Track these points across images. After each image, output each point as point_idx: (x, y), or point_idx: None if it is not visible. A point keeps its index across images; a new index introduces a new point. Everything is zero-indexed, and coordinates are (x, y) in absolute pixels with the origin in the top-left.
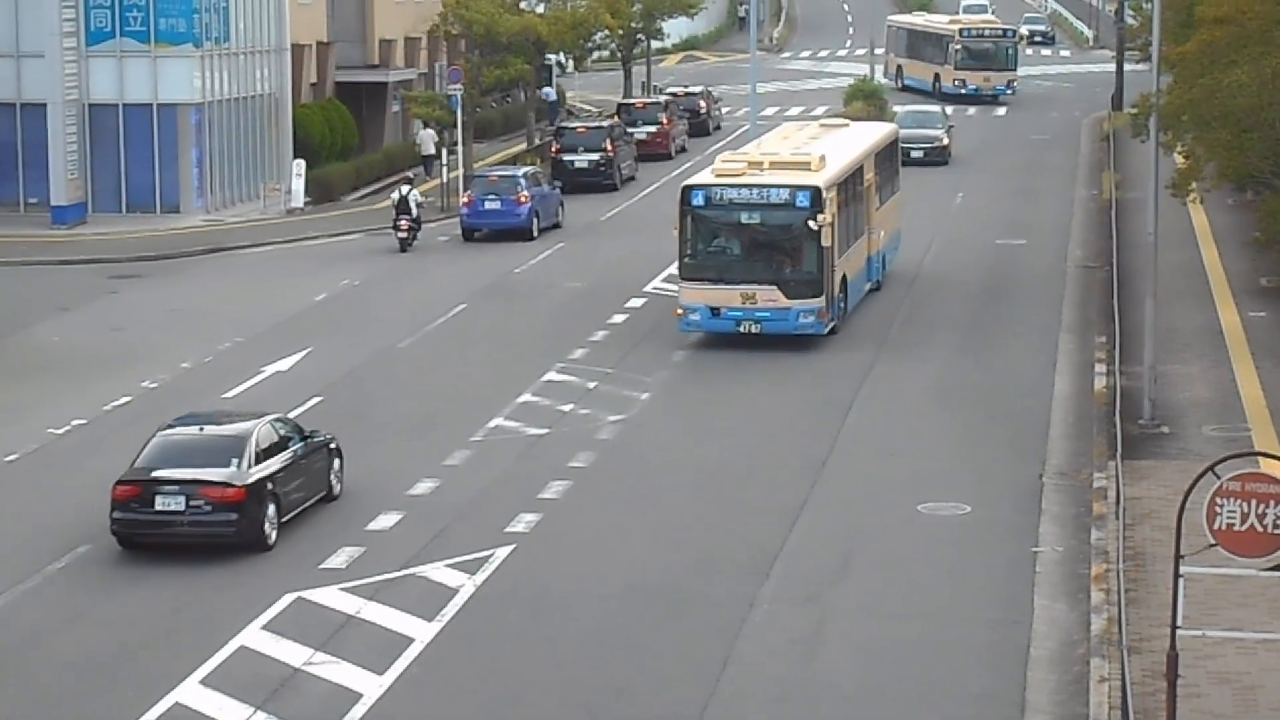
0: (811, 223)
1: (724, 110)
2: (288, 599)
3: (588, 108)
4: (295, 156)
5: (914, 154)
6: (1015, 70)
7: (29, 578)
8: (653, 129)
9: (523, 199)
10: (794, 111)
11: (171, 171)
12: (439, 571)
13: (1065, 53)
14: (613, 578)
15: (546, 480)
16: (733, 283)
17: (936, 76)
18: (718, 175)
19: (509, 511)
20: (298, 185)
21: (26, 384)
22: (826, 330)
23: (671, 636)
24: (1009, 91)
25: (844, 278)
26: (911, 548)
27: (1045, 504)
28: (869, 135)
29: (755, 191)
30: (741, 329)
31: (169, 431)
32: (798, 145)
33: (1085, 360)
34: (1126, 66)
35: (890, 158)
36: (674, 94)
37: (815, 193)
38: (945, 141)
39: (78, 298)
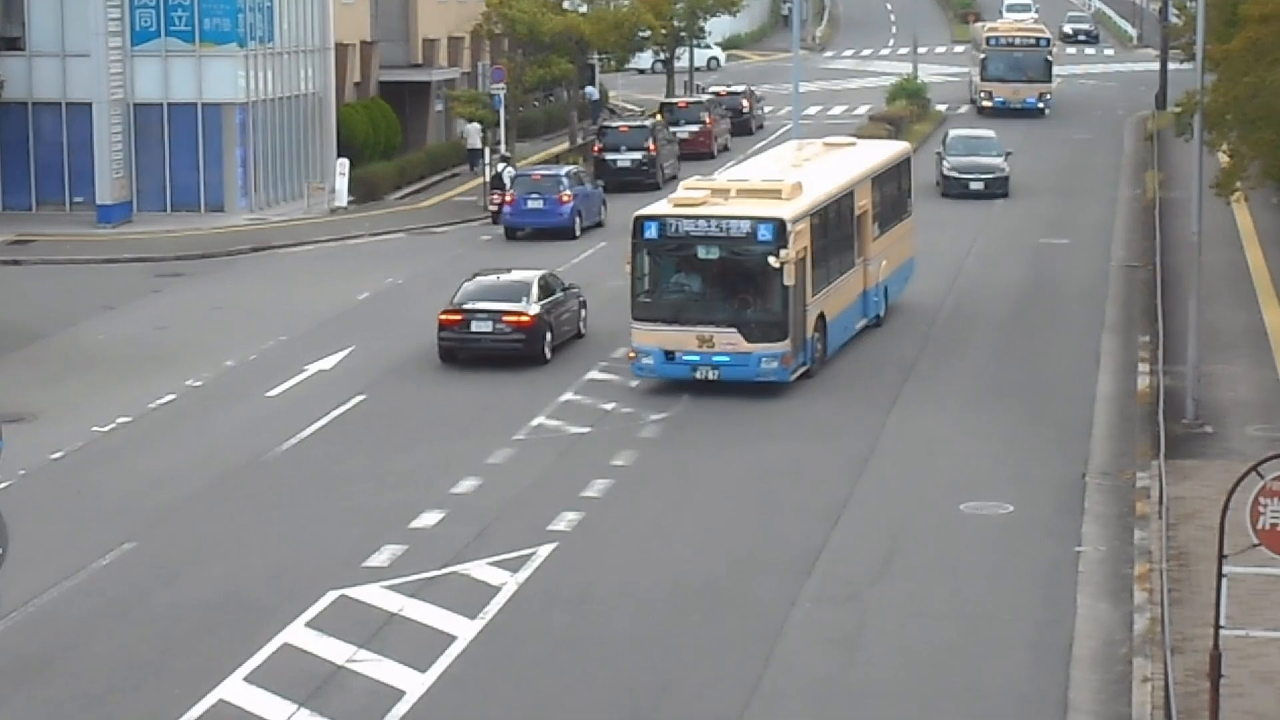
0: (772, 259)
1: (767, 109)
2: (331, 596)
3: (630, 107)
4: (339, 156)
5: (973, 185)
6: (1049, 82)
7: (74, 574)
8: (695, 128)
9: (565, 198)
10: (836, 111)
11: (216, 171)
12: (481, 569)
13: (1109, 51)
14: (654, 576)
15: (588, 479)
16: (689, 324)
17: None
18: (675, 204)
19: (551, 510)
20: (341, 184)
21: (72, 382)
22: (793, 377)
23: (713, 636)
24: (1041, 106)
25: (821, 317)
26: (953, 547)
27: (1088, 504)
28: (869, 157)
29: (713, 223)
30: (697, 375)
31: (476, 279)
32: (782, 168)
33: (1128, 360)
34: (1170, 65)
35: (896, 180)
36: (716, 93)
37: (778, 225)
38: (1007, 171)
39: (122, 296)
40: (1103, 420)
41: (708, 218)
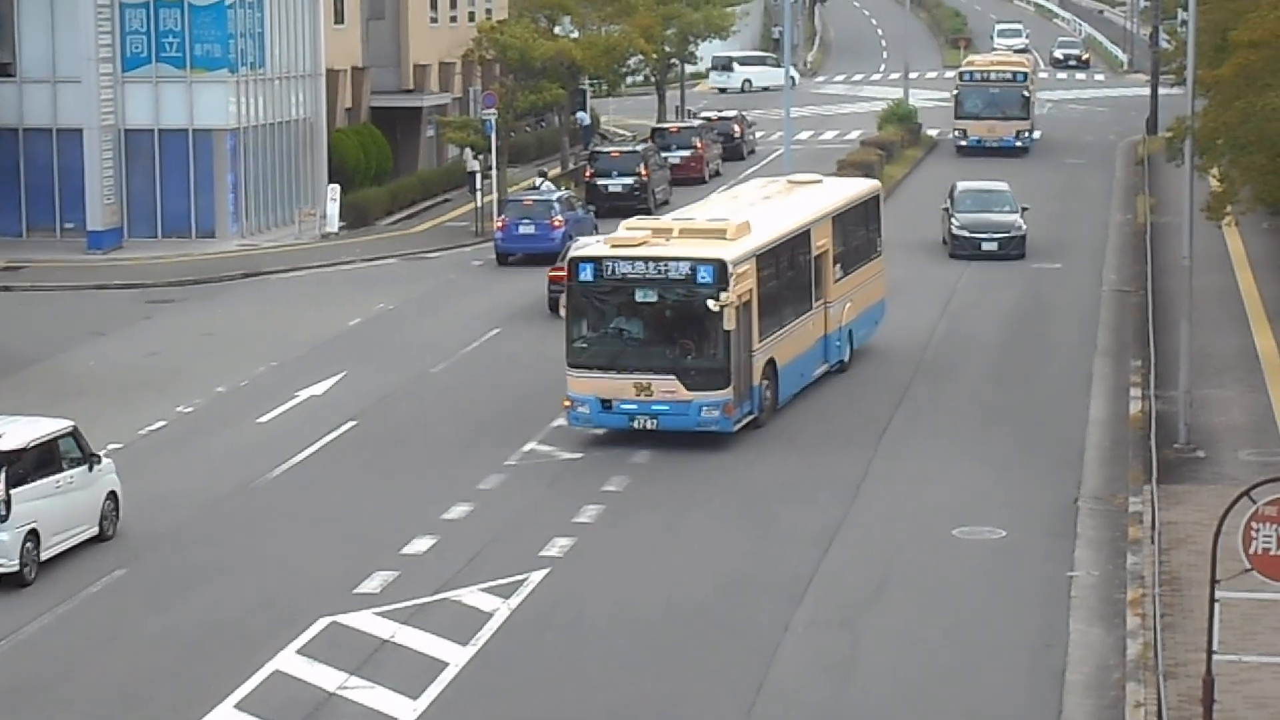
0: (712, 302)
1: (758, 134)
2: (322, 623)
3: (622, 132)
4: (330, 181)
5: (985, 246)
6: (1028, 119)
7: (66, 601)
8: (687, 153)
9: (556, 223)
10: (828, 136)
11: (207, 196)
12: (473, 595)
13: (1100, 77)
14: (647, 601)
15: (580, 504)
16: (626, 371)
17: None
18: (613, 245)
19: (543, 535)
20: (332, 210)
21: (62, 408)
22: (736, 427)
23: (706, 661)
24: (1019, 144)
25: (771, 363)
26: (946, 572)
27: (1081, 528)
28: (832, 195)
29: (651, 265)
30: (635, 424)
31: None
32: (737, 207)
33: (1120, 384)
34: (1161, 90)
35: (863, 220)
36: (708, 118)
37: (719, 267)
38: (1023, 228)
39: (113, 322)
40: (1095, 445)
41: (646, 259)
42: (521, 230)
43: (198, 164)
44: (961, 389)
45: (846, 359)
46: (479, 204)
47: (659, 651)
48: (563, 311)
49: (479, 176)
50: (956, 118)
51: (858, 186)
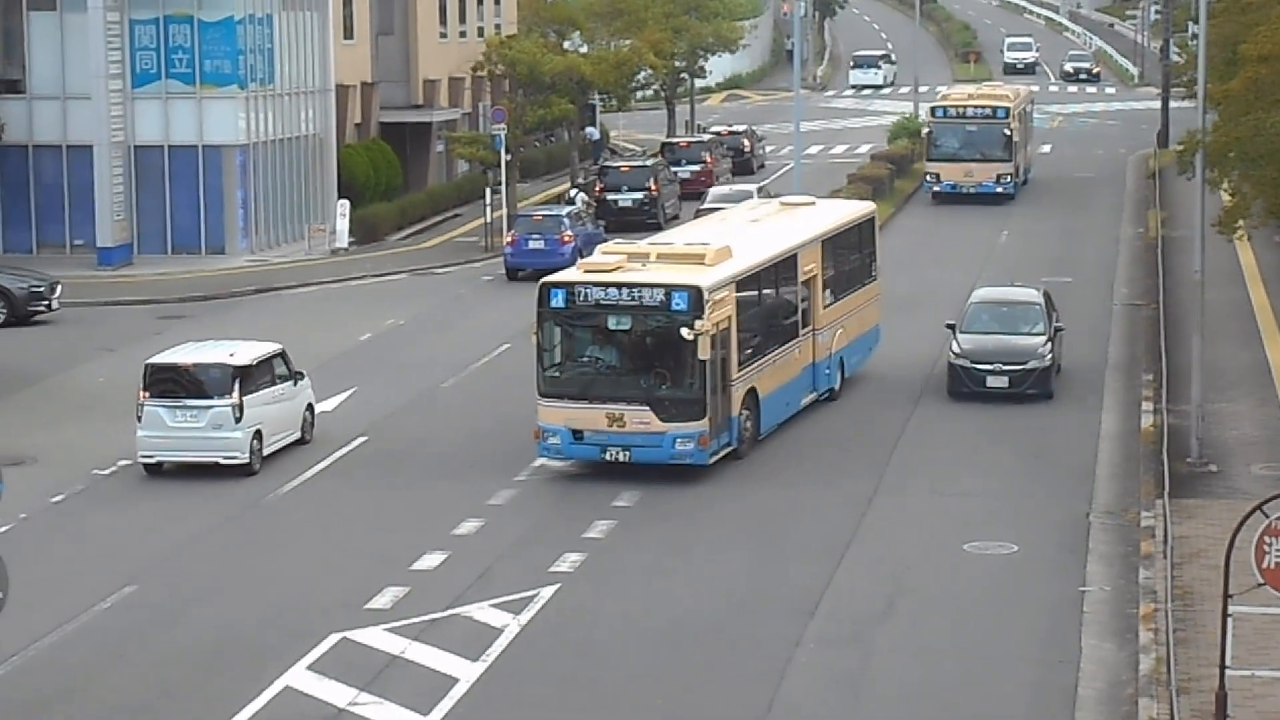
0: (685, 331)
1: (768, 149)
2: (332, 639)
3: (631, 146)
4: (340, 197)
5: (992, 382)
6: (1010, 160)
7: (75, 617)
8: (696, 168)
9: (566, 238)
10: (838, 150)
11: (217, 212)
12: (484, 611)
13: (1110, 90)
14: (658, 617)
15: (591, 519)
16: (598, 401)
17: None
18: (586, 270)
19: (553, 551)
20: (342, 225)
21: (72, 424)
22: (712, 459)
23: (717, 677)
24: (1000, 190)
25: (751, 393)
26: (958, 587)
27: (1092, 543)
28: (823, 218)
29: (625, 291)
30: (607, 456)
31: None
32: (722, 230)
33: (1132, 399)
34: (1172, 104)
35: (856, 244)
36: (718, 133)
37: (694, 294)
38: (1047, 357)
39: (123, 339)
40: (1107, 459)
41: (619, 285)
42: (531, 245)
43: (207, 180)
44: (970, 406)
45: (837, 387)
46: (489, 220)
47: (670, 667)
48: (533, 339)
49: (489, 192)
50: (929, 160)
51: (851, 209)
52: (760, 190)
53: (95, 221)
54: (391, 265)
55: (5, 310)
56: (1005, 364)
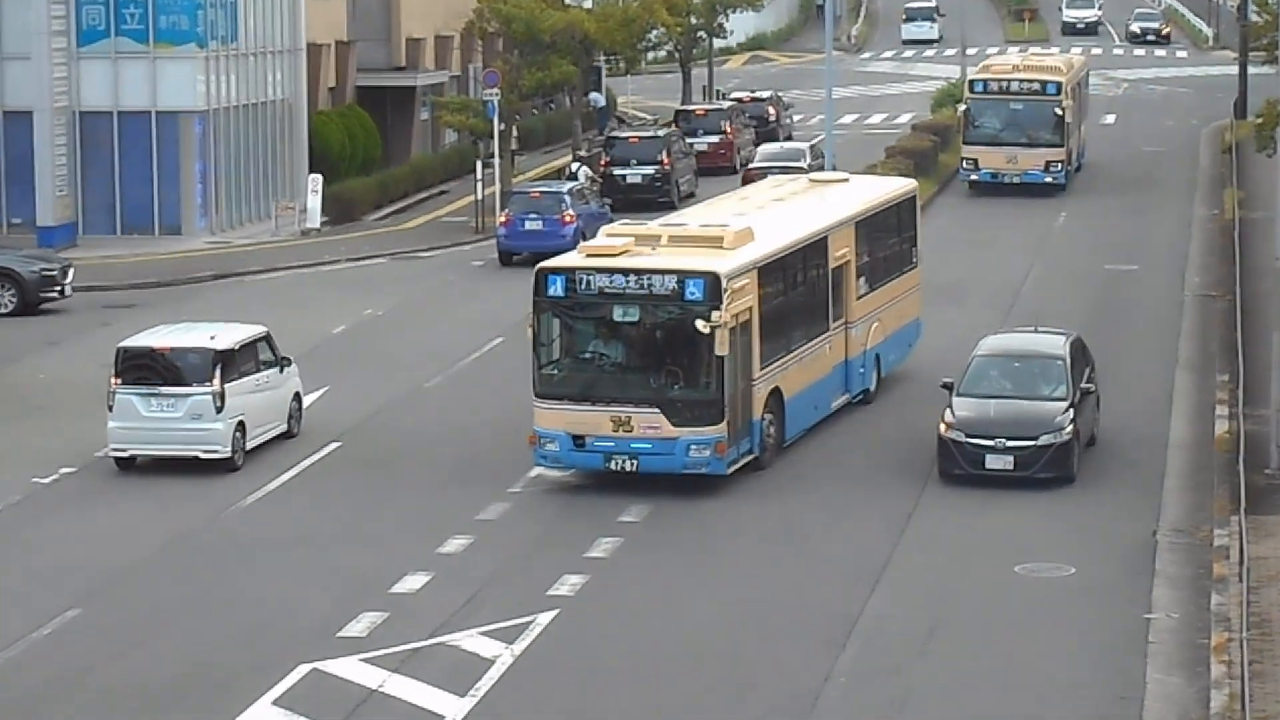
0: (700, 323)
1: (796, 118)
2: (301, 670)
3: (641, 115)
4: (311, 171)
5: (992, 463)
6: (1062, 145)
7: (11, 646)
8: (715, 139)
9: (567, 218)
10: (875, 119)
11: (172, 188)
12: (472, 640)
13: (1182, 53)
14: (669, 648)
15: (594, 537)
16: (602, 402)
17: None
18: (588, 254)
19: (552, 572)
20: (314, 203)
21: (9, 427)
22: (731, 469)
23: (737, 714)
24: (1050, 180)
25: (775, 394)
26: (1007, 614)
27: (1159, 565)
28: (859, 197)
29: (632, 278)
30: (612, 466)
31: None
32: (742, 210)
33: (1205, 402)
34: (1250, 69)
35: (894, 226)
36: (739, 99)
37: (710, 281)
38: (1066, 431)
39: (66, 330)
40: (1176, 470)
41: (625, 271)
42: (528, 226)
43: (162, 151)
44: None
45: (872, 388)
46: (480, 197)
47: (684, 703)
48: (529, 332)
49: (479, 165)
50: (965, 143)
51: (889, 186)
52: (813, 149)
53: (35, 198)
54: (369, 248)
55: (16, 298)
56: (1011, 439)
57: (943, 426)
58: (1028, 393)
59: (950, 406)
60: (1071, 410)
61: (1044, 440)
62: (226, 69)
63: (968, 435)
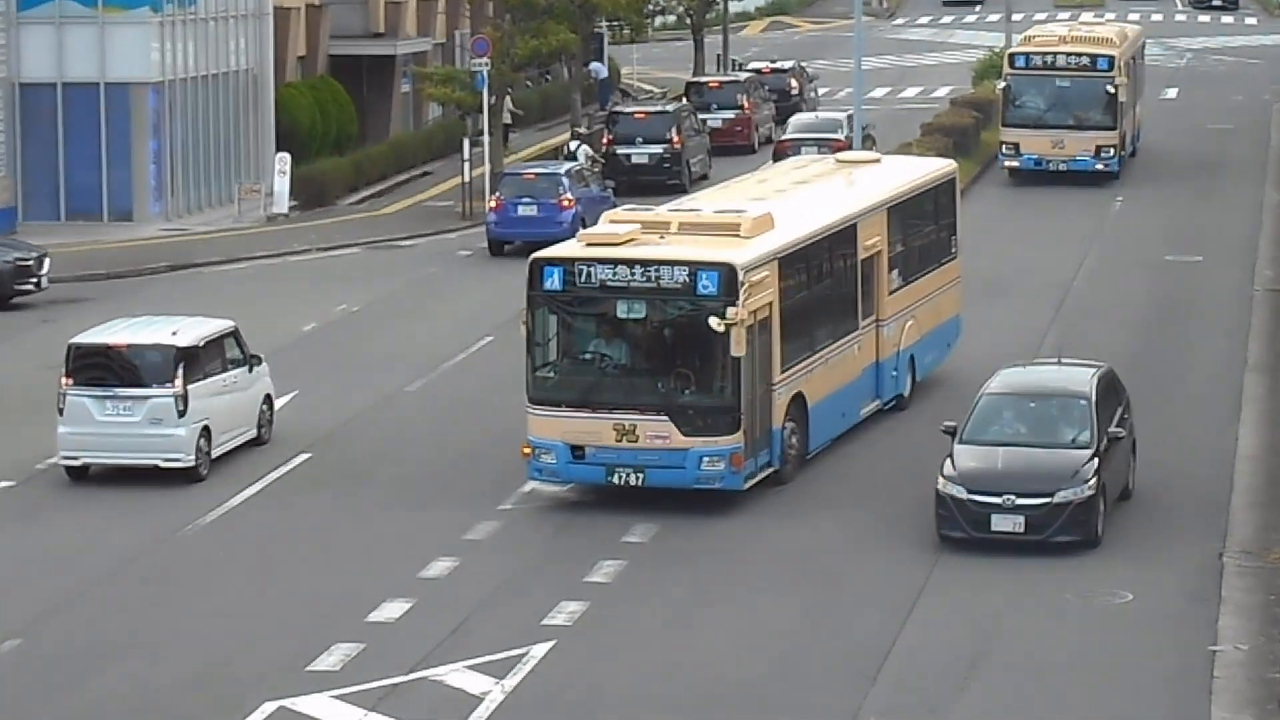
0: (714, 321)
1: (821, 91)
2: (267, 708)
3: (648, 88)
4: (278, 149)
5: (999, 523)
6: (1115, 128)
7: None
8: (730, 115)
9: (565, 203)
10: (910, 93)
11: (123, 169)
12: (459, 675)
13: (1251, 20)
14: (679, 683)
15: (595, 559)
16: (604, 409)
17: None
18: (589, 244)
19: (547, 599)
20: (281, 185)
21: None
22: (748, 484)
23: None
24: (1101, 167)
25: (798, 400)
26: (1057, 645)
27: (1226, 590)
28: (892, 180)
29: (637, 270)
30: (615, 480)
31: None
32: (761, 193)
33: (1276, 409)
34: None
35: (931, 213)
36: (757, 71)
37: (726, 274)
38: (1090, 482)
39: (3, 327)
40: (1245, 485)
41: (630, 262)
42: (521, 212)
43: (111, 128)
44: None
45: (906, 393)
46: (467, 179)
47: None
48: (522, 330)
49: (466, 144)
50: (1005, 125)
51: (926, 168)
52: (850, 119)
53: None
54: (343, 236)
55: None
56: (1021, 495)
57: (940, 480)
58: (1044, 439)
59: (951, 456)
60: (1096, 460)
61: (1061, 497)
62: (183, 35)
63: (970, 490)
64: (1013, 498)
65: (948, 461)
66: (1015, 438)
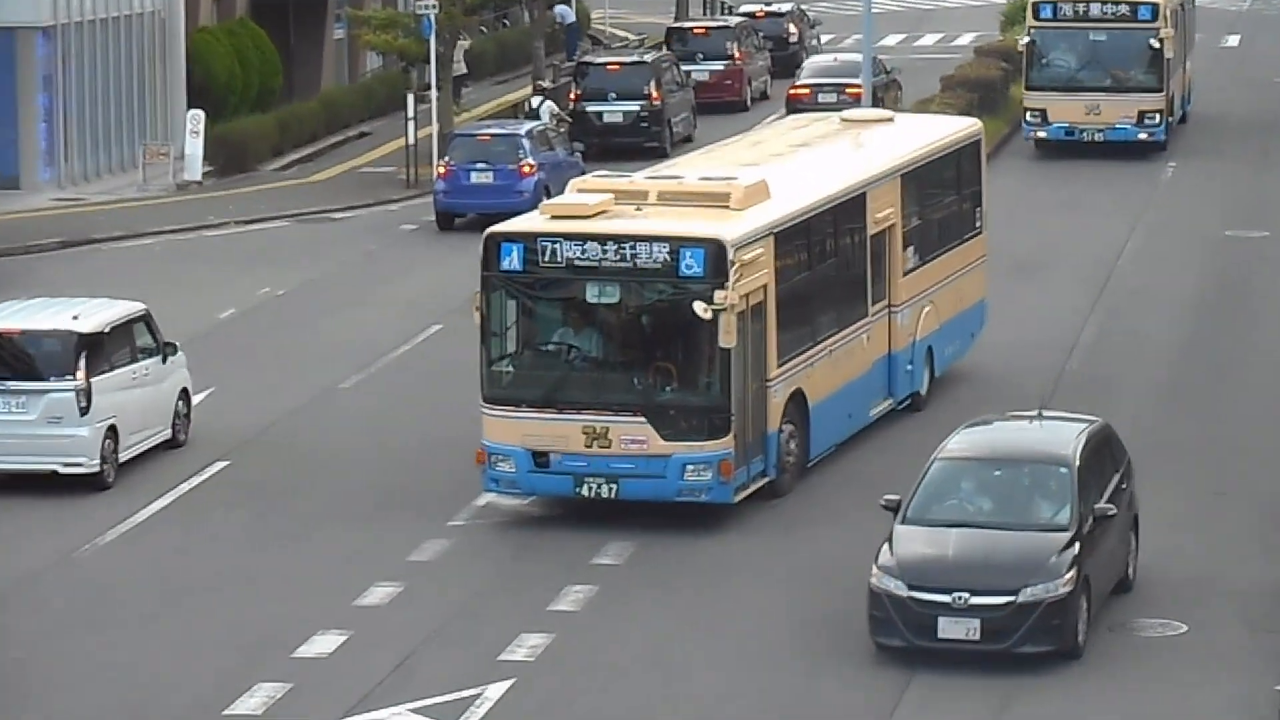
0: (700, 306)
1: (824, 38)
2: None
3: (622, 34)
4: (190, 106)
5: (945, 631)
6: (1161, 88)
7: None
8: (719, 66)
9: (526, 169)
10: (928, 40)
11: (7, 128)
12: (403, 719)
13: None
14: None
15: (560, 584)
16: (571, 409)
17: None
18: (553, 216)
19: (505, 631)
20: (193, 148)
21: None
22: (738, 496)
23: None
24: (1144, 136)
25: (797, 398)
26: (1101, 681)
27: None
28: (907, 142)
29: (609, 247)
30: (584, 491)
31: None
32: (755, 158)
33: None
34: None
35: (953, 181)
36: (750, 15)
37: (713, 251)
38: (1066, 576)
39: None
40: None
41: (602, 237)
42: (474, 179)
43: None
44: (1122, 414)
45: (923, 390)
46: (412, 141)
47: None
48: (476, 316)
49: (411, 101)
50: (1028, 88)
51: (946, 129)
52: (877, 63)
53: None
54: (267, 207)
55: None
56: (975, 592)
57: (874, 571)
58: (1010, 518)
59: (889, 539)
60: (1076, 546)
61: (1028, 595)
62: None
63: (911, 586)
64: (965, 596)
65: (884, 548)
66: (973, 516)
